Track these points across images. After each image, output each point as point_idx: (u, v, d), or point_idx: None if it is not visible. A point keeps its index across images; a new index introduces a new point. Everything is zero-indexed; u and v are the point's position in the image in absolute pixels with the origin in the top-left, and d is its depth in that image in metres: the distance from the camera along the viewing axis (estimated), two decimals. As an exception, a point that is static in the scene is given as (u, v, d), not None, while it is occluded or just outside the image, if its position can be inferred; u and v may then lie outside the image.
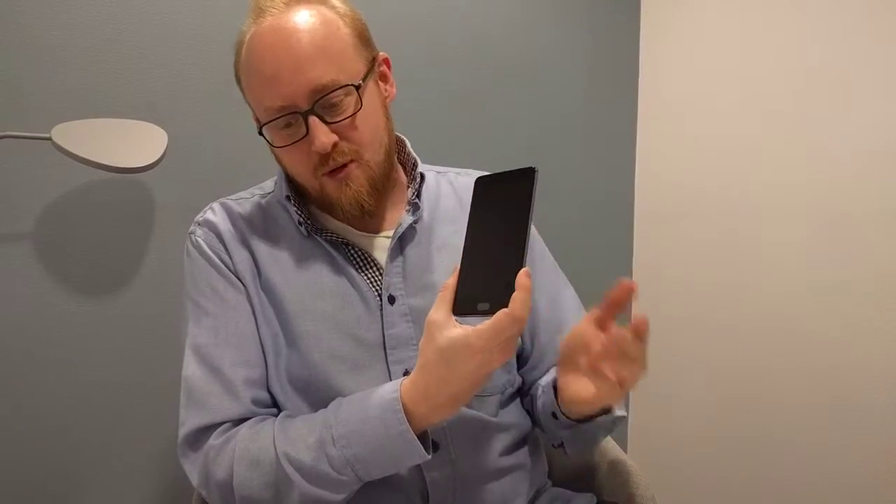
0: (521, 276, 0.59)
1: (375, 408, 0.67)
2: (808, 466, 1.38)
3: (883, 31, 1.25)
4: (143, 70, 1.21)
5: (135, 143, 1.13)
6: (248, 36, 0.77)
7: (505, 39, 1.54)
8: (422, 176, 0.87)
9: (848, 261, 1.31)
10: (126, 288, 1.22)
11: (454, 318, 0.63)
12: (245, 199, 0.88)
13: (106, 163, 1.09)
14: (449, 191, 0.93)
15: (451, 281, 0.64)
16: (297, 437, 0.70)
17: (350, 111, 0.76)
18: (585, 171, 1.65)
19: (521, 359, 0.91)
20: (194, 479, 0.75)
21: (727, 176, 1.50)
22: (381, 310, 0.81)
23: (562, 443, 0.87)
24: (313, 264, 0.82)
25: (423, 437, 0.67)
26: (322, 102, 0.74)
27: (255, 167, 1.09)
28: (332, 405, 0.71)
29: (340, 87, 0.75)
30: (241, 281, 0.81)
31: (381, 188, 0.82)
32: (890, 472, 1.27)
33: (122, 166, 1.10)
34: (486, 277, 0.63)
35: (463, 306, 0.63)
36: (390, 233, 0.85)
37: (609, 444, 1.00)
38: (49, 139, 1.07)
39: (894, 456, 1.27)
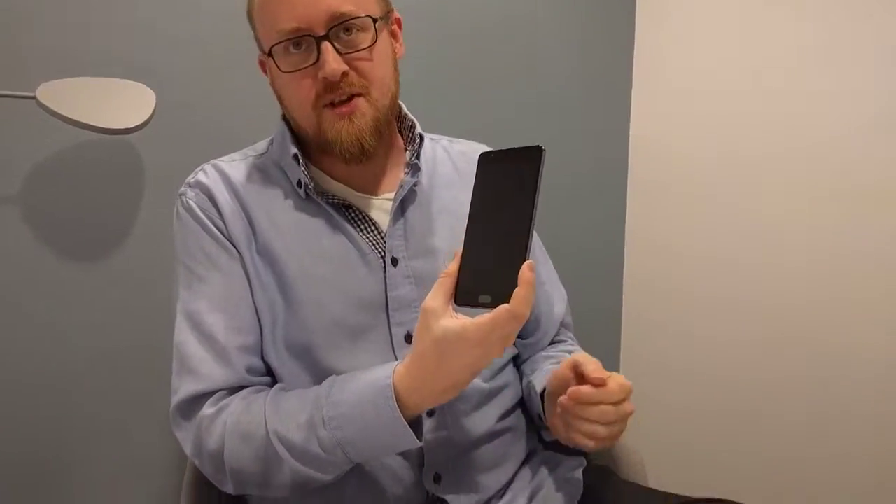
0: (525, 271, 0.58)
1: (368, 393, 0.67)
2: (801, 440, 1.40)
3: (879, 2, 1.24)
4: (130, 28, 1.17)
5: (122, 103, 1.11)
6: None
7: (500, 5, 1.51)
8: (420, 137, 0.86)
9: (847, 232, 1.31)
10: (116, 251, 1.21)
11: (453, 307, 0.62)
12: (238, 161, 0.86)
13: (93, 123, 1.07)
14: (444, 157, 0.93)
15: (453, 268, 0.62)
16: (288, 415, 0.70)
17: (365, 45, 0.76)
18: (579, 139, 1.64)
19: None
20: (187, 448, 0.75)
21: (723, 146, 1.49)
22: (385, 271, 0.80)
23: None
24: (312, 227, 0.81)
25: (416, 421, 0.67)
26: (337, 30, 0.74)
27: (246, 129, 1.07)
28: (325, 384, 0.71)
29: (358, 17, 0.75)
30: (235, 247, 0.80)
31: (384, 132, 0.81)
32: (884, 449, 1.29)
33: (110, 127, 1.08)
34: (489, 268, 0.61)
35: (464, 297, 0.62)
36: (390, 195, 0.84)
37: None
38: (34, 98, 1.04)
39: (890, 432, 1.29)
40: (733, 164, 1.47)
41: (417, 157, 0.85)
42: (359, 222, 0.82)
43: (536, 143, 0.60)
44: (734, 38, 1.46)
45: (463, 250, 0.63)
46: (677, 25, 1.58)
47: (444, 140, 0.96)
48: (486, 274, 0.61)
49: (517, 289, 0.57)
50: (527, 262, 0.58)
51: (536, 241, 0.98)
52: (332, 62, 0.74)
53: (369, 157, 0.80)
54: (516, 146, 0.63)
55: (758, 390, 1.45)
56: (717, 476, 1.53)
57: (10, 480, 1.16)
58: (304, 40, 0.75)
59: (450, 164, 0.92)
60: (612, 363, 1.71)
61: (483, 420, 0.82)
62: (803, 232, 1.36)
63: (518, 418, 0.87)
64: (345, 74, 0.75)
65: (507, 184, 0.62)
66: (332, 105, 0.77)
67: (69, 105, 1.06)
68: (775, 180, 1.40)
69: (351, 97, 0.77)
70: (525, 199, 0.59)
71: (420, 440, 0.67)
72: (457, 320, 0.61)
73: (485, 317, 0.59)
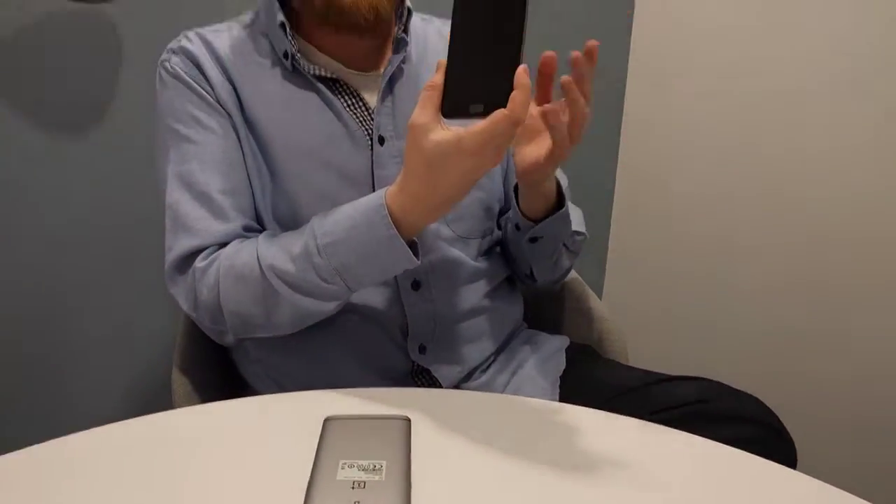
0: (520, 75, 0.55)
1: (362, 215, 0.66)
2: (783, 313, 1.44)
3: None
4: None
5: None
6: None
7: None
8: (409, 11, 0.83)
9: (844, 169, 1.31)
10: (96, 124, 1.18)
11: (441, 120, 0.59)
12: (222, 31, 0.83)
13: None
14: (436, 39, 0.89)
15: (438, 79, 0.59)
16: (282, 248, 0.69)
17: None
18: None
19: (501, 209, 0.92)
20: (182, 302, 0.76)
21: (721, 83, 1.44)
22: (371, 149, 0.79)
23: (531, 270, 0.88)
24: (298, 100, 0.79)
25: (412, 245, 0.66)
26: None
27: (229, 1, 1.02)
28: (315, 217, 0.70)
29: None
30: (225, 110, 0.78)
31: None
32: (868, 318, 1.34)
33: (82, -5, 1.03)
34: (479, 76, 0.57)
35: (453, 108, 0.58)
36: (378, 72, 0.82)
37: (583, 291, 1.03)
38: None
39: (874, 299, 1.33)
40: (730, 101, 1.44)
41: (405, 31, 0.81)
42: (346, 97, 0.80)
43: None
44: None
45: (448, 60, 0.59)
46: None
47: (438, 21, 0.93)
48: (475, 82, 0.58)
49: (514, 92, 0.55)
50: (521, 66, 0.56)
51: None
52: None
53: (381, 26, 0.77)
54: None
55: (745, 262, 1.49)
56: (697, 357, 1.59)
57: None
58: None
59: (442, 45, 0.88)
60: (600, 243, 1.73)
61: (469, 296, 0.83)
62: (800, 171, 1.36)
63: (503, 298, 0.89)
64: None
65: None
66: None
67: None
68: (772, 118, 1.38)
69: None
70: (517, 2, 0.56)
71: (417, 258, 0.67)
72: (450, 131, 0.58)
73: (481, 124, 0.56)
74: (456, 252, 0.82)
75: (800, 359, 1.43)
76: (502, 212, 0.92)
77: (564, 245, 0.87)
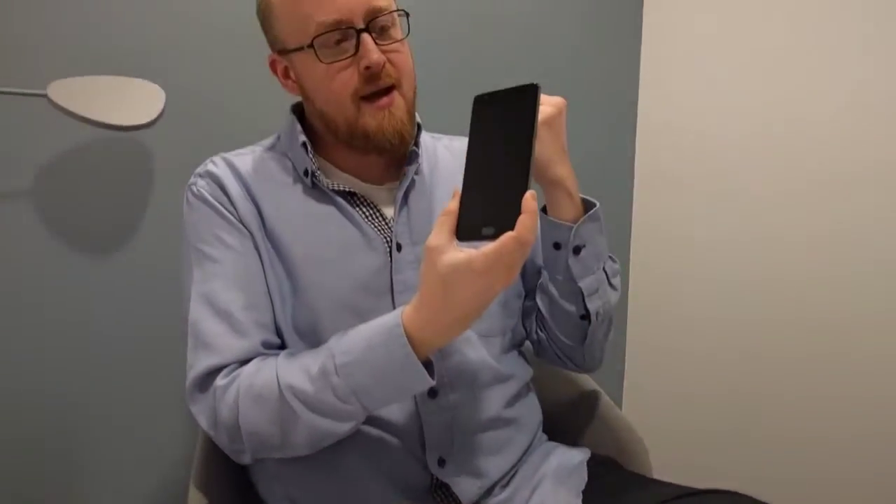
0: (528, 200, 0.59)
1: (378, 336, 0.67)
2: (804, 420, 1.40)
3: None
4: (141, 26, 1.19)
5: (132, 100, 1.13)
6: None
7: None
8: (419, 126, 0.88)
9: (846, 211, 1.33)
10: (126, 247, 1.23)
11: (456, 242, 0.63)
12: (245, 154, 0.88)
13: (103, 121, 1.09)
14: (445, 153, 0.94)
15: (453, 206, 0.63)
16: (300, 369, 0.71)
17: (398, 37, 0.80)
18: (586, 131, 1.64)
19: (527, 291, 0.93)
20: (202, 421, 0.76)
21: (727, 134, 1.50)
22: (391, 256, 0.82)
23: (583, 299, 0.83)
24: (319, 214, 0.83)
25: (426, 364, 0.68)
26: (375, 23, 0.77)
27: (254, 126, 1.09)
28: (334, 337, 0.72)
29: (393, 11, 0.79)
30: (246, 228, 0.82)
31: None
32: (885, 423, 1.30)
33: (120, 124, 1.10)
34: (490, 201, 0.61)
35: (466, 232, 0.62)
36: (393, 184, 0.87)
37: (602, 401, 1.02)
38: (45, 96, 1.06)
39: (889, 407, 1.29)
40: (739, 150, 1.48)
41: (416, 145, 0.86)
42: (364, 209, 0.84)
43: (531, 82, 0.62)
44: (739, 26, 1.47)
45: (462, 188, 0.63)
46: (683, 26, 1.58)
47: (445, 139, 0.99)
48: (487, 207, 0.61)
49: (521, 216, 0.58)
50: (529, 192, 0.59)
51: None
52: (375, 52, 0.76)
53: (402, 142, 0.82)
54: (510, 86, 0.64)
55: (768, 373, 1.46)
56: (722, 468, 1.53)
57: (16, 472, 1.18)
58: (342, 33, 0.77)
59: (450, 159, 0.94)
60: (617, 355, 1.71)
61: (489, 404, 0.83)
62: (809, 211, 1.38)
63: (522, 409, 0.88)
64: (383, 65, 0.77)
65: (504, 121, 0.63)
66: (370, 98, 0.79)
67: (80, 103, 1.08)
68: (777, 167, 1.42)
69: (388, 89, 0.79)
70: (524, 133, 0.60)
71: (433, 379, 0.67)
72: (462, 252, 0.61)
73: (490, 246, 0.59)
74: (477, 354, 0.83)
75: (833, 470, 1.38)
76: (531, 294, 0.92)
77: (605, 272, 0.85)
